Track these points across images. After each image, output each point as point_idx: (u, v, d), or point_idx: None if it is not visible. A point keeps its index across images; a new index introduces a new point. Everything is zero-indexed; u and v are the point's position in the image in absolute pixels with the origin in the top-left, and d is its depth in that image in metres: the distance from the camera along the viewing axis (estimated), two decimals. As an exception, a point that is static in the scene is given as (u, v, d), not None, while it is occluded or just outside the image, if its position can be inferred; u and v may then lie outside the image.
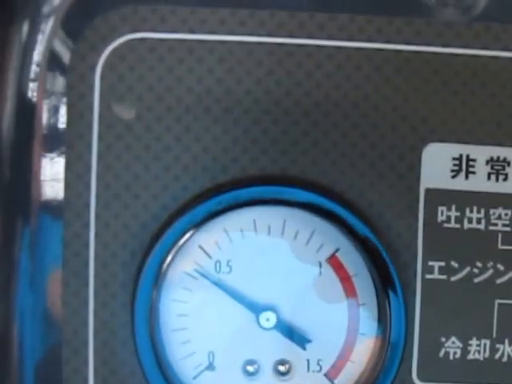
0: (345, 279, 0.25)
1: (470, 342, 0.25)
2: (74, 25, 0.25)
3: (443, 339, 0.25)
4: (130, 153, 0.25)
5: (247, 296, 0.25)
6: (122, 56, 0.25)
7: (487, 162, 0.25)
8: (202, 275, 0.25)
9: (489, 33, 0.25)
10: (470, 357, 0.25)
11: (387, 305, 0.24)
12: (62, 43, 0.24)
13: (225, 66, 0.25)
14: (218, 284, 0.24)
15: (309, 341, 0.25)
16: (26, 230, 0.25)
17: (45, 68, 0.24)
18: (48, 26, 0.24)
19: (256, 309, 0.24)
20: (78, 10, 0.24)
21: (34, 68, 0.24)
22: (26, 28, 0.24)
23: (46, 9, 0.24)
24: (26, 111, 0.25)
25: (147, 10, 0.24)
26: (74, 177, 0.25)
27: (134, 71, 0.25)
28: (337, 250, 0.25)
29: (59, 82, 0.25)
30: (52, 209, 0.25)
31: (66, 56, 0.24)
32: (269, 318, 0.24)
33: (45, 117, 0.25)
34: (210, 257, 0.25)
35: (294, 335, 0.25)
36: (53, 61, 0.24)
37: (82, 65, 0.24)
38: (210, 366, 0.25)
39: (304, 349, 0.25)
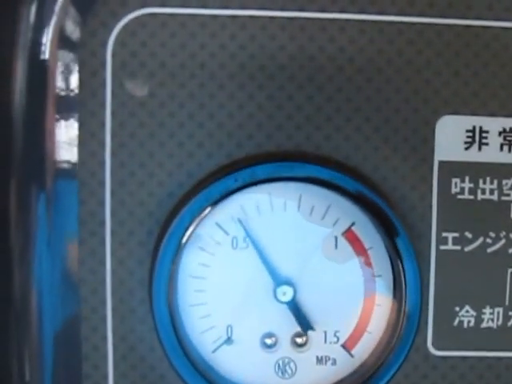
0: (361, 252, 0.25)
1: (484, 310, 0.26)
2: (83, 1, 0.24)
3: (457, 308, 0.25)
4: (143, 130, 0.25)
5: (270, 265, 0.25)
6: (133, 32, 0.24)
7: (500, 134, 0.25)
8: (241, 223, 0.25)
9: (501, 4, 0.25)
10: (484, 325, 0.26)
11: (402, 276, 0.25)
12: (73, 20, 0.24)
13: (237, 40, 0.24)
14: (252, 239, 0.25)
15: (312, 328, 0.25)
16: (42, 194, 0.25)
17: (56, 45, 0.24)
18: (58, 3, 0.24)
19: (278, 279, 0.25)
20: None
21: (45, 46, 0.24)
22: (35, 5, 0.24)
23: (55, -15, 0.24)
24: (39, 90, 0.24)
25: None
26: (88, 155, 0.25)
27: (146, 47, 0.24)
28: (352, 224, 0.25)
29: (71, 60, 0.24)
30: (66, 173, 0.25)
31: (76, 33, 0.24)
32: (285, 292, 0.25)
33: (57, 93, 0.24)
34: (227, 233, 0.25)
35: (301, 317, 0.25)
36: (63, 38, 0.24)
37: (93, 41, 0.24)
38: (229, 340, 0.25)
39: (305, 332, 0.25)
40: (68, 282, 0.25)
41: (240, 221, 0.25)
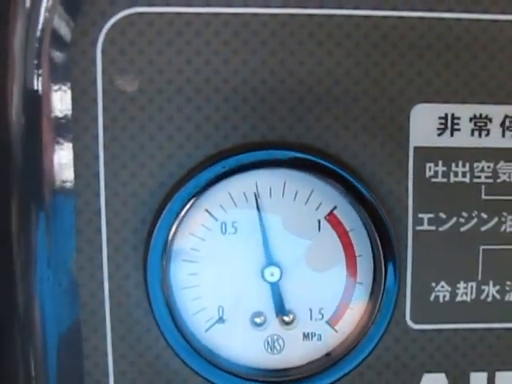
0: (342, 234, 0.27)
1: (458, 285, 0.27)
2: (73, 1, 0.25)
3: (433, 284, 0.27)
4: (134, 124, 0.26)
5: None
6: (122, 31, 0.25)
7: (470, 120, 0.27)
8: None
9: None
10: (458, 299, 0.27)
11: (382, 255, 0.26)
12: (63, 20, 0.25)
13: (221, 37, 0.26)
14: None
15: (285, 313, 0.27)
16: (41, 212, 0.26)
17: (47, 45, 0.25)
18: (48, 4, 0.25)
19: (269, 259, 0.26)
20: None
21: (36, 46, 0.25)
22: (26, 6, 0.25)
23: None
24: (31, 92, 0.25)
25: None
26: (82, 148, 0.26)
27: (135, 45, 0.26)
28: (334, 208, 0.26)
29: (62, 59, 0.25)
30: (64, 191, 0.26)
31: (67, 33, 0.25)
32: (273, 273, 0.26)
33: (51, 94, 0.25)
34: (216, 219, 0.26)
35: (278, 300, 0.27)
36: (54, 38, 0.25)
37: (84, 40, 0.25)
38: (220, 320, 0.27)
39: (282, 316, 0.27)
40: (69, 291, 0.26)
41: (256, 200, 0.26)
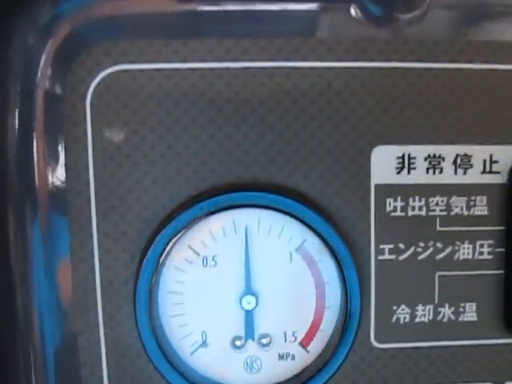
0: (311, 264, 0.29)
1: (417, 307, 0.30)
2: (63, 61, 0.28)
3: (395, 307, 0.30)
4: (122, 170, 0.29)
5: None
6: (108, 86, 0.28)
7: (425, 159, 0.30)
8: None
9: (422, 47, 0.29)
10: (417, 320, 0.30)
11: (347, 283, 0.29)
12: (55, 78, 0.28)
13: (197, 89, 0.28)
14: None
15: (253, 338, 0.29)
16: (36, 224, 0.29)
17: (41, 101, 0.28)
18: (41, 64, 0.28)
19: (248, 289, 0.29)
20: (67, 47, 0.28)
21: (30, 102, 0.28)
22: (21, 67, 0.28)
23: (37, 50, 0.28)
24: (27, 142, 0.28)
25: (126, 44, 0.28)
26: (76, 194, 0.29)
27: (120, 99, 0.28)
28: (304, 241, 0.29)
29: (55, 113, 0.28)
30: (58, 206, 0.29)
31: (58, 89, 0.28)
32: (250, 302, 0.29)
33: (46, 146, 0.28)
34: (197, 254, 0.29)
35: (250, 326, 0.29)
36: (47, 94, 0.28)
37: (74, 96, 0.28)
38: (204, 344, 0.30)
39: (245, 340, 0.29)
40: (63, 301, 0.29)
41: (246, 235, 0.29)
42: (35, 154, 0.28)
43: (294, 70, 0.29)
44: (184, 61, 0.28)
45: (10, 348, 0.29)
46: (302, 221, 0.29)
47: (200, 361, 0.30)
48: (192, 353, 0.30)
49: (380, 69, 0.29)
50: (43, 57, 0.28)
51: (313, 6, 0.29)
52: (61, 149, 0.28)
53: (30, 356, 0.29)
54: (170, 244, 0.29)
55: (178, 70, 0.28)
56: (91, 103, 0.28)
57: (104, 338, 0.29)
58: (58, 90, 0.28)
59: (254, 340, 0.30)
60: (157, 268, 0.29)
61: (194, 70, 0.28)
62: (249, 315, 0.29)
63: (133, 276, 0.29)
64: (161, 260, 0.29)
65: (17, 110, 0.28)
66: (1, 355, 0.30)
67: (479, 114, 0.29)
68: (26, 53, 0.28)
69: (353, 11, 0.29)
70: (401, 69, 0.29)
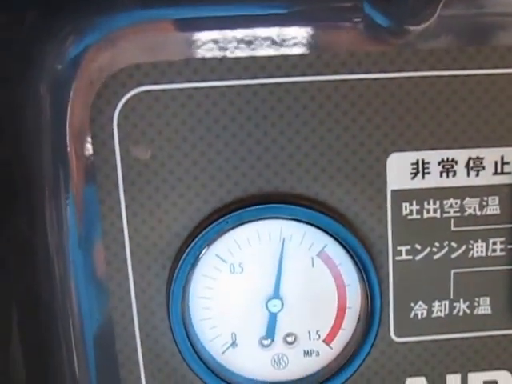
0: (332, 268, 0.31)
1: (433, 304, 0.32)
2: (90, 87, 0.29)
3: (412, 304, 0.32)
4: (150, 186, 0.30)
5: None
6: (133, 107, 0.30)
7: (439, 163, 0.31)
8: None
9: (432, 56, 0.30)
10: (434, 315, 0.32)
11: (366, 284, 0.31)
12: (83, 102, 0.29)
13: (218, 107, 0.30)
14: None
15: (273, 338, 0.31)
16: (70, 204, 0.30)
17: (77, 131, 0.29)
18: (71, 94, 0.29)
19: (276, 293, 0.31)
20: (93, 74, 0.29)
21: (65, 132, 0.29)
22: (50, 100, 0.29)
23: (66, 78, 0.29)
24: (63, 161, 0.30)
25: (148, 66, 0.29)
26: (107, 210, 0.30)
27: (145, 119, 0.30)
28: (325, 246, 0.31)
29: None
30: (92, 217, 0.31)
31: (87, 113, 0.29)
32: (275, 305, 0.31)
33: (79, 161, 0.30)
34: (225, 261, 0.31)
35: (271, 327, 0.31)
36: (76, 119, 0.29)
37: (102, 118, 0.30)
38: (234, 344, 0.32)
39: (266, 338, 0.31)
40: (98, 282, 0.31)
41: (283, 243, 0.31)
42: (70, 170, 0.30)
43: (309, 84, 0.30)
44: (204, 80, 0.29)
45: (50, 327, 0.31)
46: (322, 228, 0.30)
47: (230, 359, 0.32)
48: (223, 352, 0.32)
49: (393, 79, 0.30)
50: (73, 85, 0.29)
51: (324, 22, 0.30)
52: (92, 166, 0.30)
53: (70, 334, 0.31)
54: (200, 254, 0.30)
55: (198, 88, 0.30)
56: (118, 124, 0.30)
57: (140, 341, 0.32)
58: (87, 114, 0.29)
59: (273, 340, 0.31)
60: (188, 276, 0.31)
61: (213, 88, 0.30)
62: (272, 318, 0.31)
63: (164, 283, 0.31)
64: (191, 269, 0.30)
65: (51, 128, 0.29)
66: (42, 334, 0.32)
67: (490, 117, 0.30)
68: (57, 80, 0.29)
69: (363, 25, 0.30)
70: (413, 78, 0.30)
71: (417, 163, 0.31)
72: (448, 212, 0.31)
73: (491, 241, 0.32)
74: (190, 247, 0.30)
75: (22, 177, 0.30)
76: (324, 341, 0.32)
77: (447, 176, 0.31)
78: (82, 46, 0.29)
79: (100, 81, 0.29)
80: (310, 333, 0.32)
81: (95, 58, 0.29)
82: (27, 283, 0.31)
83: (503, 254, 0.32)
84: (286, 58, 0.29)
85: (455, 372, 0.33)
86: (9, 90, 0.29)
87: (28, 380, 0.32)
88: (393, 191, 0.31)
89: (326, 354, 0.32)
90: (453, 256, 0.32)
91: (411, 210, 0.31)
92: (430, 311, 0.32)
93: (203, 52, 0.29)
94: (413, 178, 0.31)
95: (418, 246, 0.31)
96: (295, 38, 0.29)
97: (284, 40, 0.29)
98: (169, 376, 0.32)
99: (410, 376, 0.33)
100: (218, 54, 0.29)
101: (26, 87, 0.29)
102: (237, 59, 0.29)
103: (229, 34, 0.29)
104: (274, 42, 0.29)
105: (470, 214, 0.31)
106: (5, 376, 0.32)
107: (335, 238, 0.31)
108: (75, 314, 0.31)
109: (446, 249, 0.32)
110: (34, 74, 0.29)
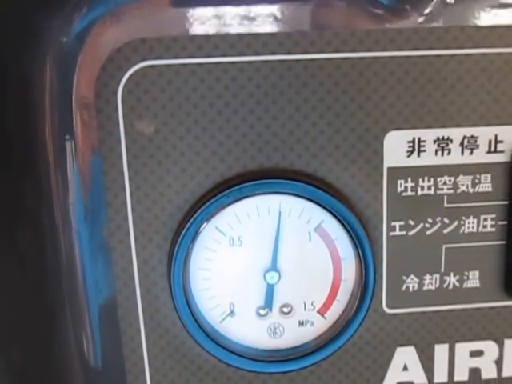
0: (329, 242, 0.32)
1: (425, 277, 0.33)
2: (95, 60, 0.30)
3: (404, 277, 0.33)
4: (153, 160, 0.31)
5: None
6: (137, 82, 0.30)
7: (434, 142, 0.32)
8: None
9: (432, 36, 0.30)
10: (425, 288, 0.33)
11: (361, 258, 0.32)
12: (88, 77, 0.30)
13: (221, 83, 0.30)
14: None
15: (271, 308, 0.33)
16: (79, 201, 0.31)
17: (78, 97, 0.30)
18: (77, 66, 0.30)
19: (273, 265, 0.32)
20: (99, 47, 0.30)
21: (69, 100, 0.30)
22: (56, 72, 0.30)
23: (73, 51, 0.29)
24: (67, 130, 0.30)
25: (152, 41, 0.30)
26: (111, 181, 0.31)
27: (149, 93, 0.30)
28: (322, 222, 0.32)
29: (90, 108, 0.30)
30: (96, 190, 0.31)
31: (92, 87, 0.30)
32: (273, 276, 0.32)
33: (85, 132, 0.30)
34: (224, 235, 0.32)
35: (269, 297, 0.32)
36: (82, 92, 0.30)
37: (106, 91, 0.30)
38: (232, 313, 0.33)
39: (264, 308, 0.33)
40: (102, 252, 0.32)
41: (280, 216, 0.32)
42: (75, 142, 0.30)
43: (311, 62, 0.30)
44: (207, 56, 0.30)
45: (56, 294, 0.32)
46: (319, 203, 0.31)
47: (228, 328, 0.33)
48: (221, 321, 0.33)
49: (392, 58, 0.31)
50: (79, 59, 0.29)
51: (327, 0, 0.30)
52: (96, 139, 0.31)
53: (75, 301, 0.32)
54: (200, 227, 0.31)
55: (202, 64, 0.30)
56: (122, 98, 0.30)
57: (141, 310, 0.33)
58: (92, 87, 0.30)
59: (271, 310, 0.33)
60: (189, 248, 0.31)
61: (216, 64, 0.30)
62: (269, 289, 0.32)
63: (166, 255, 0.32)
64: (192, 241, 0.31)
65: (57, 105, 0.30)
66: (49, 300, 0.33)
67: (485, 97, 0.31)
68: (63, 53, 0.29)
69: (365, 3, 0.30)
70: (411, 57, 0.31)
71: (413, 141, 0.32)
72: (441, 189, 0.32)
73: (482, 217, 0.33)
74: (191, 220, 0.31)
75: (29, 148, 0.31)
76: (318, 311, 0.33)
77: (442, 154, 0.32)
78: (88, 20, 0.29)
79: (105, 55, 0.30)
80: (305, 304, 0.33)
81: (101, 33, 0.29)
82: (34, 253, 0.32)
83: (493, 230, 0.33)
84: (288, 35, 0.30)
85: (443, 342, 0.34)
86: (16, 63, 0.30)
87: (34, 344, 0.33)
88: (389, 168, 0.32)
89: (321, 324, 0.33)
90: (445, 231, 0.33)
91: (406, 187, 0.32)
92: (421, 284, 0.33)
93: (207, 28, 0.30)
94: (409, 155, 0.32)
95: (411, 222, 0.32)
96: (297, 15, 0.30)
97: (286, 17, 0.30)
98: (169, 343, 0.33)
99: (400, 346, 0.34)
100: (221, 30, 0.30)
101: (32, 60, 0.29)
102: (240, 36, 0.30)
103: (232, 10, 0.30)
104: (276, 19, 0.30)
105: (463, 191, 0.32)
106: (12, 343, 0.33)
107: (332, 213, 0.31)
108: (80, 282, 0.32)
109: (438, 224, 0.33)
110: (41, 48, 0.29)
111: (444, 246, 0.33)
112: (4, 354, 0.34)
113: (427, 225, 0.33)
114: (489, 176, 0.32)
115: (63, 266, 0.32)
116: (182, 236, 0.31)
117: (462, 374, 0.35)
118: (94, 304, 0.32)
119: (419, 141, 0.32)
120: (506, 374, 0.35)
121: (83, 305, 0.32)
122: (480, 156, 0.32)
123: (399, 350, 0.34)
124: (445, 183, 0.32)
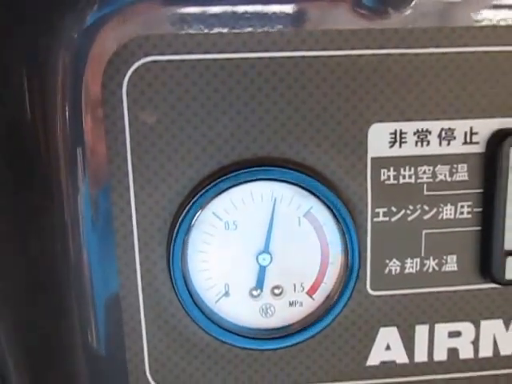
0: (317, 227, 0.35)
1: (406, 261, 0.36)
2: (104, 55, 0.32)
3: (387, 261, 0.36)
4: (155, 148, 0.33)
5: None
6: (140, 76, 0.32)
7: (414, 133, 0.34)
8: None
9: (411, 36, 0.33)
10: (406, 271, 0.36)
11: (347, 242, 0.34)
12: (96, 71, 0.32)
13: (218, 78, 0.33)
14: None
15: (261, 289, 0.35)
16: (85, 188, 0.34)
17: (86, 89, 0.32)
18: (87, 61, 0.32)
19: (266, 248, 0.34)
20: (107, 43, 0.32)
21: (77, 91, 0.32)
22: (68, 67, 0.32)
23: (83, 47, 0.32)
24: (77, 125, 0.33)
25: (155, 37, 0.32)
26: (116, 169, 0.33)
27: (152, 87, 0.33)
28: (311, 208, 0.34)
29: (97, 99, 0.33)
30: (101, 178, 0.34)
31: (99, 79, 0.32)
32: (265, 258, 0.35)
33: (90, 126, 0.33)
34: (220, 219, 0.34)
35: (260, 278, 0.35)
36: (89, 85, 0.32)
37: (112, 84, 0.32)
38: (226, 294, 0.35)
39: (256, 289, 0.35)
40: (105, 233, 0.34)
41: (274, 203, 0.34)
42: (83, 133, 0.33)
43: (301, 59, 0.33)
44: (206, 52, 0.32)
45: (65, 294, 0.35)
46: (309, 190, 0.34)
47: (223, 307, 0.35)
48: (216, 301, 0.35)
49: (375, 55, 0.33)
50: (89, 54, 0.32)
51: (317, 1, 0.33)
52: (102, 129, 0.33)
53: (81, 295, 0.35)
54: (198, 212, 0.34)
55: (201, 60, 0.33)
56: (127, 91, 0.32)
57: (141, 289, 0.35)
58: (99, 80, 0.32)
59: (262, 290, 0.35)
60: (188, 231, 0.34)
61: (214, 60, 0.33)
62: (261, 270, 0.35)
63: (165, 237, 0.34)
64: (191, 224, 0.34)
65: (68, 97, 0.32)
66: (57, 300, 0.35)
67: (461, 92, 0.34)
68: (75, 49, 0.32)
69: (351, 5, 0.33)
70: (392, 55, 0.33)
71: (395, 133, 0.34)
72: (421, 178, 0.35)
73: (459, 204, 0.35)
74: (189, 205, 0.34)
75: (40, 137, 0.33)
76: (307, 293, 0.35)
77: (421, 145, 0.35)
78: (97, 18, 0.31)
79: (112, 50, 0.32)
80: (295, 285, 0.35)
81: (109, 29, 0.32)
82: (46, 251, 0.34)
83: (470, 216, 0.35)
84: (281, 33, 0.33)
85: (424, 323, 0.37)
86: (28, 57, 0.32)
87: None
88: (373, 158, 0.34)
89: (309, 305, 0.36)
90: (425, 218, 0.35)
91: (389, 176, 0.35)
92: (402, 267, 0.36)
93: (206, 27, 0.32)
94: (391, 146, 0.34)
95: (393, 209, 0.35)
96: (290, 15, 0.33)
97: (279, 17, 0.33)
98: (167, 321, 0.35)
99: (383, 326, 0.36)
100: (219, 29, 0.32)
101: (47, 56, 0.32)
102: (235, 34, 0.32)
103: (229, 10, 0.32)
104: (270, 19, 0.32)
105: (441, 180, 0.35)
106: (22, 333, 0.35)
107: (321, 200, 0.34)
108: (84, 259, 0.34)
109: (418, 211, 0.35)
110: (53, 43, 0.32)
111: (424, 232, 0.35)
112: (20, 342, 0.36)
113: (408, 211, 0.35)
114: (465, 166, 0.35)
115: (68, 245, 0.34)
116: (181, 220, 0.34)
117: (441, 354, 0.37)
118: (97, 282, 0.34)
119: (401, 133, 0.34)
120: (482, 354, 0.37)
121: (86, 280, 0.34)
122: (457, 147, 0.35)
123: (382, 330, 0.36)
124: (424, 172, 0.35)
